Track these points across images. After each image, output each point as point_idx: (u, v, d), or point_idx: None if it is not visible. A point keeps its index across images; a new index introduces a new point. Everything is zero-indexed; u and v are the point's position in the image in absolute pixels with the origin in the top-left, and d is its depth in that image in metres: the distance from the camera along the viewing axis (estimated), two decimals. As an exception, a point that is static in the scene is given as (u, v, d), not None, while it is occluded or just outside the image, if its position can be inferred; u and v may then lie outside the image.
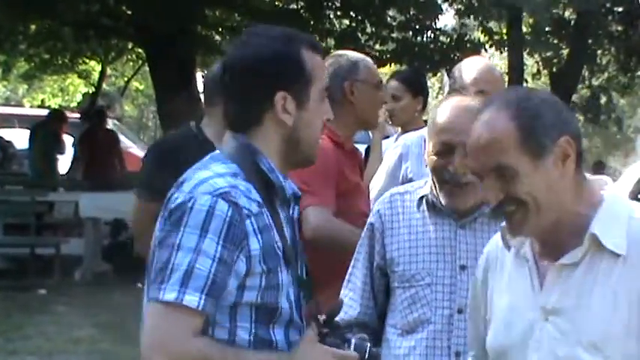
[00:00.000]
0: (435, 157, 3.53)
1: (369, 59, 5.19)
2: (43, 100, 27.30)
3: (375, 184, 5.34)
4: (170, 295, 3.10)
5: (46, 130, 17.17)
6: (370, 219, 3.72)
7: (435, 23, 18.38)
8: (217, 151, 3.35)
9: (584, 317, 2.75)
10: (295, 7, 18.59)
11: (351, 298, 3.67)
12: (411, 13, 17.77)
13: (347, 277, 3.77)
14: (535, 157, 2.80)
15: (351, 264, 3.79)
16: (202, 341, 3.09)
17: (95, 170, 16.80)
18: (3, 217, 14.55)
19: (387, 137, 6.24)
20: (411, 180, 5.01)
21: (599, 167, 19.23)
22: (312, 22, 18.22)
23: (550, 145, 2.80)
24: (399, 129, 6.22)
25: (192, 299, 3.04)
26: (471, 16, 18.36)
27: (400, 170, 5.20)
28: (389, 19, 18.11)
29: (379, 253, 3.61)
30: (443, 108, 3.56)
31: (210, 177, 3.16)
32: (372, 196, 5.16)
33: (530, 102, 2.90)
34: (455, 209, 3.49)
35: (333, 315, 3.27)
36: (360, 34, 18.08)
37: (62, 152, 17.19)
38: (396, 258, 3.55)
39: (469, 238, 3.48)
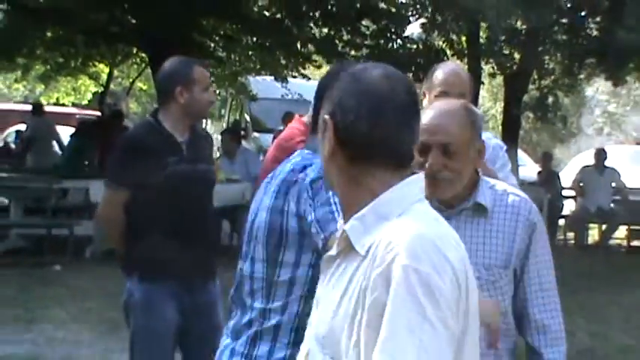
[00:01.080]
0: (417, 155, 3.42)
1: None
2: (57, 99, 27.18)
3: None
4: None
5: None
6: None
7: (403, 32, 18.42)
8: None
9: (322, 309, 2.40)
10: (280, 16, 18.57)
11: None
12: (383, 23, 17.78)
13: None
14: None
15: None
16: None
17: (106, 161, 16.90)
18: (23, 201, 14.54)
19: None
20: None
21: (547, 158, 19.20)
22: (294, 30, 18.22)
23: None
24: None
25: None
26: (435, 29, 18.42)
27: None
28: (363, 28, 18.10)
29: None
30: (426, 111, 3.49)
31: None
32: None
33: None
34: (436, 200, 3.40)
35: None
36: (337, 42, 18.10)
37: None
38: None
39: (454, 228, 3.43)
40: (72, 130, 19.24)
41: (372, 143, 2.24)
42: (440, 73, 5.09)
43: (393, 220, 2.20)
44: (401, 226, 2.16)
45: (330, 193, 3.45)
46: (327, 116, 2.28)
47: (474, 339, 2.25)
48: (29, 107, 21.57)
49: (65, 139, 18.70)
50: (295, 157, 3.72)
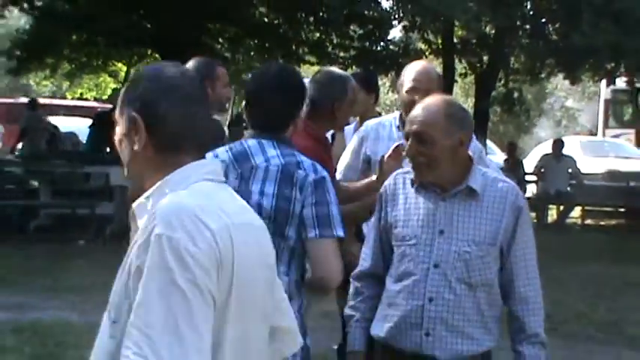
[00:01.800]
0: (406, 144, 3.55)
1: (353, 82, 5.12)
2: (81, 94, 27.22)
3: (342, 160, 5.30)
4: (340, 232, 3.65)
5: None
6: (380, 191, 3.71)
7: (387, 35, 18.41)
8: None
9: (117, 277, 2.29)
10: (277, 22, 18.58)
11: (365, 253, 3.72)
12: (368, 27, 17.76)
13: (366, 235, 3.83)
14: None
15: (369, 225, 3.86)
16: None
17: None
18: (51, 184, 14.56)
19: (348, 124, 6.23)
20: (369, 157, 5.05)
21: (512, 147, 19.18)
22: (290, 34, 18.24)
23: None
24: (357, 118, 6.16)
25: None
26: (415, 31, 18.43)
27: (361, 150, 5.16)
28: (351, 32, 18.08)
29: (384, 217, 3.60)
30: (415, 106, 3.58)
31: None
32: (338, 170, 5.12)
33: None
34: (433, 184, 3.49)
35: None
36: (327, 44, 18.10)
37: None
38: (394, 222, 3.54)
39: (447, 209, 3.46)
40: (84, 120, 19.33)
41: (177, 133, 2.18)
42: (411, 70, 5.10)
43: (164, 193, 2.14)
44: (165, 199, 2.09)
45: (331, 194, 3.79)
46: (135, 114, 2.19)
47: (243, 303, 2.13)
48: (57, 101, 21.61)
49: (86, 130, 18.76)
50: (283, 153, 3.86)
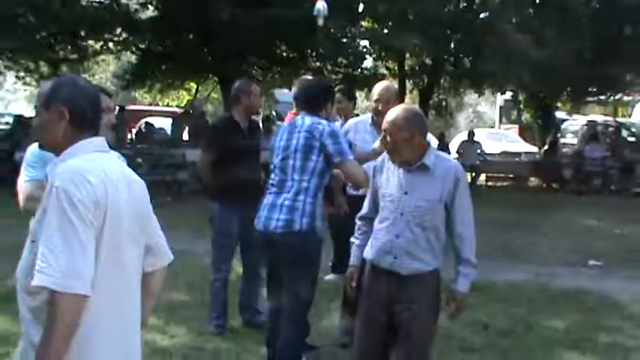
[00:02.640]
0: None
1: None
2: (167, 103, 27.16)
3: None
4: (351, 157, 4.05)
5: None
6: (374, 164, 3.62)
7: (362, 64, 18.41)
8: None
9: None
10: (292, 56, 18.39)
11: (365, 204, 3.64)
12: (350, 59, 17.76)
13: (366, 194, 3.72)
14: None
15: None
16: None
17: (198, 137, 16.97)
18: (150, 160, 14.50)
19: (336, 121, 6.17)
20: (351, 143, 4.85)
21: (442, 136, 19.05)
22: (300, 64, 18.02)
23: None
24: (343, 117, 5.94)
25: None
26: (381, 60, 18.43)
27: (346, 138, 4.93)
28: (339, 62, 17.98)
29: (375, 183, 3.54)
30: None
31: None
32: None
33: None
34: (399, 161, 3.42)
35: None
36: (324, 70, 18.00)
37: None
38: (380, 186, 3.48)
39: (410, 178, 3.38)
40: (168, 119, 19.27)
41: (83, 120, 2.16)
42: (377, 87, 5.04)
43: (66, 161, 2.12)
44: (64, 164, 2.10)
45: (341, 134, 4.10)
46: (63, 107, 2.13)
47: (114, 230, 2.10)
48: (152, 108, 21.44)
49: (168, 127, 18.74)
50: (307, 119, 4.10)
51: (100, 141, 2.20)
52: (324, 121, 4.05)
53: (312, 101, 4.21)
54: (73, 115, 2.14)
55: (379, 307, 3.41)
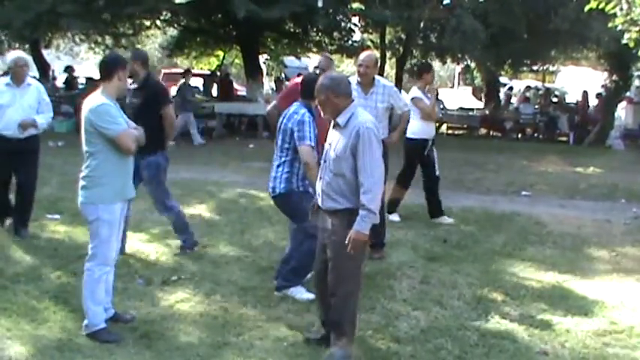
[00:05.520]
0: None
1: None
2: (201, 67, 26.65)
3: None
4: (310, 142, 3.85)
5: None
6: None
7: (352, 37, 18.14)
8: None
9: None
10: (297, 31, 17.87)
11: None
12: (343, 33, 17.50)
13: None
14: None
15: None
16: None
17: (225, 93, 16.83)
18: (194, 109, 13.64)
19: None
20: None
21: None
22: (303, 37, 17.62)
23: None
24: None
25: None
26: (365, 34, 18.14)
27: None
28: (335, 36, 17.45)
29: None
30: None
31: None
32: None
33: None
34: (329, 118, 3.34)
35: None
36: (323, 43, 17.69)
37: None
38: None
39: (333, 132, 3.34)
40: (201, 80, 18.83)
41: None
42: (361, 55, 5.04)
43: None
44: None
45: (307, 123, 3.95)
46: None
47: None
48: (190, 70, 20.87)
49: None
50: (293, 106, 4.11)
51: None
52: (301, 111, 4.04)
53: (305, 93, 4.13)
54: None
55: (321, 234, 3.37)
